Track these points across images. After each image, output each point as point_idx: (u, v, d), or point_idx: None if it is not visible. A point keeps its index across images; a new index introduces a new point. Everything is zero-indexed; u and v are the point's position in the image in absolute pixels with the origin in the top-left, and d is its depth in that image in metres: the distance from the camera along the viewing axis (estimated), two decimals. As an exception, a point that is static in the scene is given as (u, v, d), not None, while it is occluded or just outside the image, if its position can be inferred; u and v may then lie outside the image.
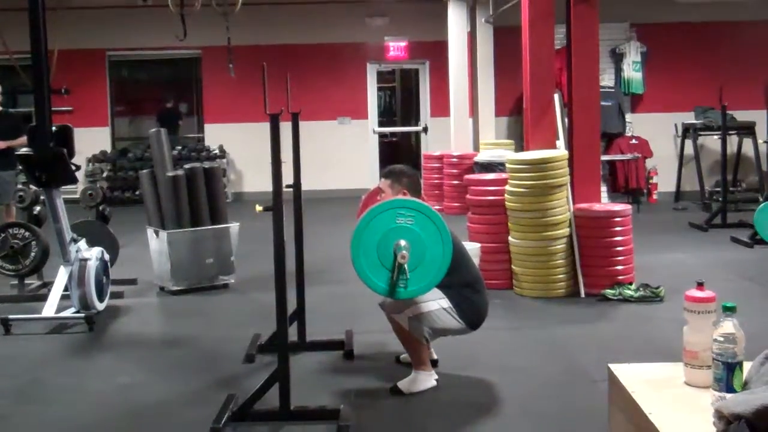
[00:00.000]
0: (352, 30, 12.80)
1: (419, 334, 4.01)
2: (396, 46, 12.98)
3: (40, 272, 6.49)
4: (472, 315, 4.08)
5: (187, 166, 6.76)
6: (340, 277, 6.81)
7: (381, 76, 13.81)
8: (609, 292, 5.88)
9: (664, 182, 11.69)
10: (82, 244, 5.74)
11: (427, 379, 4.13)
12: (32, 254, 6.15)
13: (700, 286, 2.29)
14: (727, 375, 2.04)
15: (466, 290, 4.08)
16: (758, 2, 11.53)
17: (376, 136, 13.37)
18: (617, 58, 11.99)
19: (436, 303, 3.99)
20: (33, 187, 6.48)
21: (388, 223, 3.66)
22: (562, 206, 6.07)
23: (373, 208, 3.74)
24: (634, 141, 11.56)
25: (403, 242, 3.63)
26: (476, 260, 6.04)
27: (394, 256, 3.62)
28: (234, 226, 6.67)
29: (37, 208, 6.64)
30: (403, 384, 4.09)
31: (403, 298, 3.79)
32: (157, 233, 6.46)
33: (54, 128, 5.47)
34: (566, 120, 6.62)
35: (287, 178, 3.94)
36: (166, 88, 14.32)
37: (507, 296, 6.11)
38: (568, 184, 6.16)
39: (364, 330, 5.04)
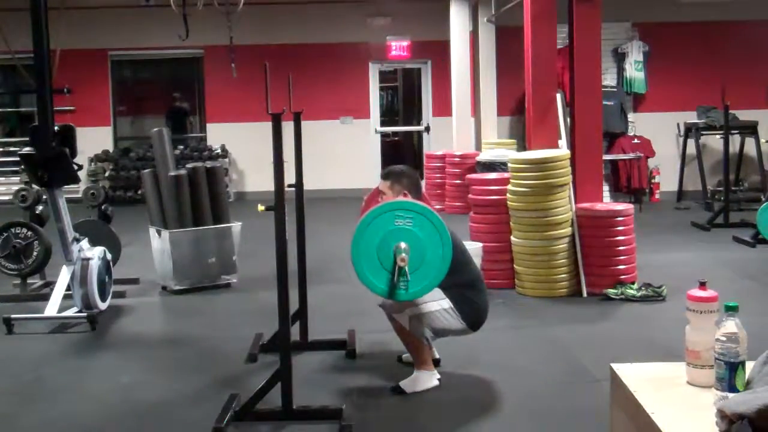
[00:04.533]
0: (354, 30, 12.80)
1: (420, 334, 4.00)
2: (398, 46, 12.96)
3: (43, 272, 6.50)
4: (472, 315, 4.07)
5: (189, 165, 6.77)
6: (342, 277, 6.82)
7: (383, 76, 13.81)
8: (611, 291, 5.88)
9: (667, 182, 11.69)
10: (85, 243, 5.74)
11: (430, 379, 4.12)
12: (34, 254, 6.16)
13: (702, 285, 2.28)
14: (729, 374, 2.04)
15: (467, 290, 4.07)
16: (761, 2, 11.52)
17: (378, 135, 13.37)
18: (619, 57, 11.99)
19: (437, 303, 3.98)
20: (35, 187, 6.49)
21: (387, 225, 3.66)
22: (564, 206, 6.06)
23: (371, 211, 3.74)
24: (636, 140, 11.57)
25: (403, 245, 3.62)
26: (478, 260, 6.04)
27: (394, 257, 3.61)
28: (236, 226, 6.67)
29: (40, 207, 6.65)
30: (405, 383, 4.09)
31: (403, 300, 3.79)
32: (159, 232, 6.46)
33: (56, 128, 5.48)
34: (568, 119, 6.62)
35: (289, 177, 3.95)
36: (168, 87, 14.33)
37: (509, 296, 6.11)
38: (570, 184, 6.15)
39: (367, 329, 5.04)
